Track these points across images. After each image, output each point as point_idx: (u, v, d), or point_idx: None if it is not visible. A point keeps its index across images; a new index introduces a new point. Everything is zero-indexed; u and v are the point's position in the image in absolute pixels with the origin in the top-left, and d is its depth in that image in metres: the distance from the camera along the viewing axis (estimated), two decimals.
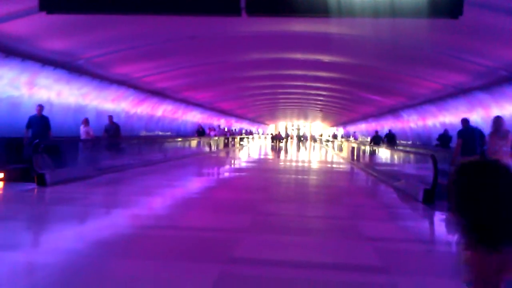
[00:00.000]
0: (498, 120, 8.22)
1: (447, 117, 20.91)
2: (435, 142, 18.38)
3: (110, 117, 15.75)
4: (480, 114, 17.18)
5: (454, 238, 6.26)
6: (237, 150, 32.73)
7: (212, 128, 31.28)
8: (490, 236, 1.25)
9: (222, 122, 40.47)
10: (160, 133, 25.78)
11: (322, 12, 6.12)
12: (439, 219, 8.24)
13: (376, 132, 24.17)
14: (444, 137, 17.29)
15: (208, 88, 24.76)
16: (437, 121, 22.44)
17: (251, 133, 54.62)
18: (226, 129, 38.02)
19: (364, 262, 5.08)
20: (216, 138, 30.18)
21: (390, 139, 21.78)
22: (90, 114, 16.67)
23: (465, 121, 9.98)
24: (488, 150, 8.20)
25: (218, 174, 16.33)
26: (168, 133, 26.76)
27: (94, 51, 13.75)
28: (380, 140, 22.20)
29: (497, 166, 1.29)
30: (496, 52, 12.12)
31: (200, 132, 27.34)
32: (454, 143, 12.33)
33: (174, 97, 24.67)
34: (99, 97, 17.65)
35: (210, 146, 28.40)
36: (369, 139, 26.25)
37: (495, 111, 15.79)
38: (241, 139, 42.70)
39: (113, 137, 15.35)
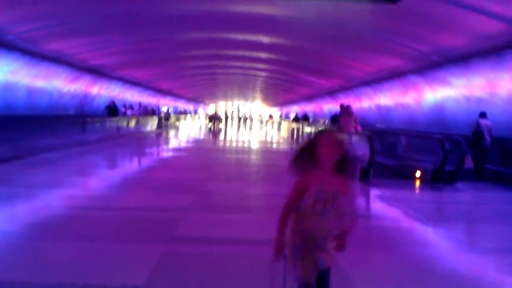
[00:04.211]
0: (348, 107, 12.57)
1: (382, 99, 21.67)
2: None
3: None
4: (413, 96, 17.96)
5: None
6: (172, 131, 31.99)
7: (128, 106, 26.82)
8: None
9: (156, 100, 39.32)
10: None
11: None
12: (375, 195, 8.63)
13: (296, 114, 38.10)
14: (335, 117, 22.75)
15: (146, 66, 24.12)
16: (372, 103, 23.21)
17: (186, 112, 52.91)
18: (151, 109, 33.30)
19: None
20: (134, 118, 26.54)
21: (305, 119, 32.43)
22: (21, 92, 15.79)
23: (341, 106, 14.17)
24: (340, 124, 12.14)
25: (156, 154, 16.03)
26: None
27: (24, 26, 12.93)
28: (299, 119, 31.64)
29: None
30: (430, 38, 12.63)
31: (112, 110, 22.13)
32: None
33: (110, 75, 23.82)
34: (30, 75, 16.68)
35: (145, 125, 27.02)
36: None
37: (428, 94, 16.58)
38: (177, 119, 41.68)
39: None
